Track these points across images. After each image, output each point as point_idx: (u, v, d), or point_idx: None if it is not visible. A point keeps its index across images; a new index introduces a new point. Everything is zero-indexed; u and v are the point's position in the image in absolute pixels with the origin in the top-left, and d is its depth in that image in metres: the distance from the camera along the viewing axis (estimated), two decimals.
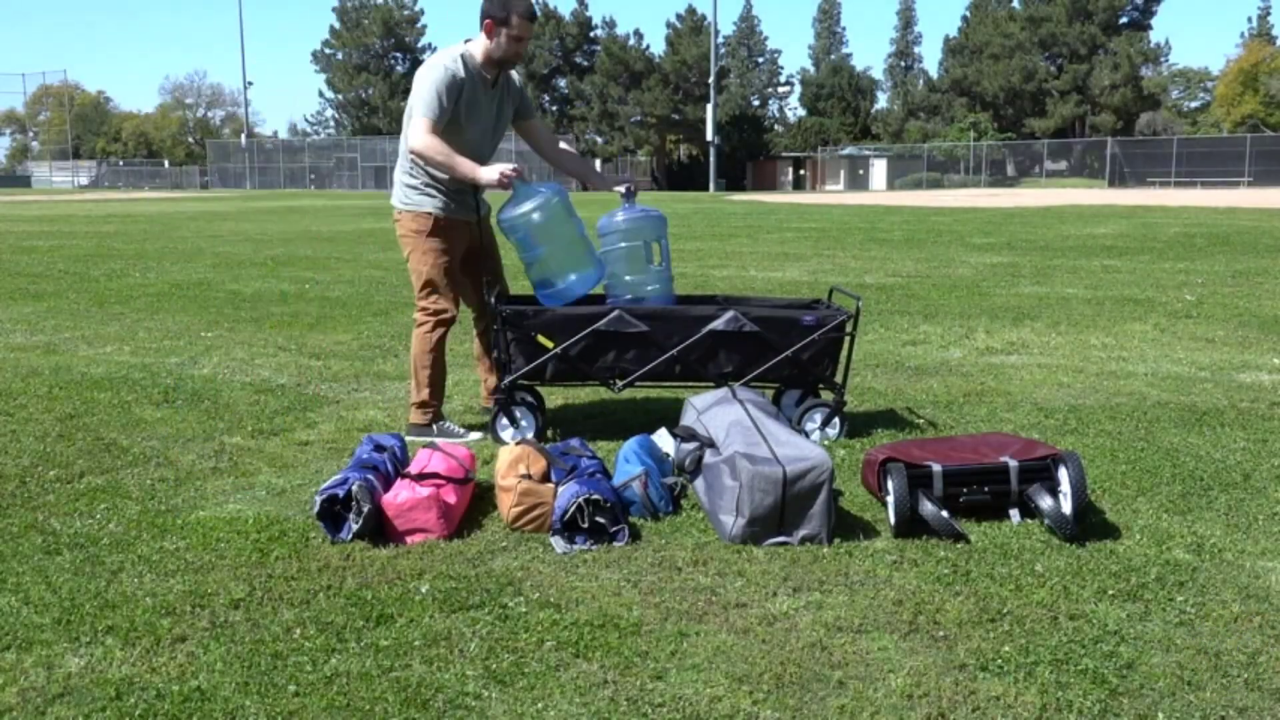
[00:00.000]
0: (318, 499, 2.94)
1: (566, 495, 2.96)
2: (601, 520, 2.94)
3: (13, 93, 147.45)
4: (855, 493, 3.39)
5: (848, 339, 4.04)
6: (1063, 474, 3.06)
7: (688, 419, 3.64)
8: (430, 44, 68.85)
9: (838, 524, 3.07)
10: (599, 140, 62.12)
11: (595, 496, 2.93)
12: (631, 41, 59.87)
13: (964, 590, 2.64)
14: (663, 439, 3.74)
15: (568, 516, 2.91)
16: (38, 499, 3.36)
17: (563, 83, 63.74)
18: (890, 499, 3.06)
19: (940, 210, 24.38)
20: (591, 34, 62.94)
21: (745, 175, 59.11)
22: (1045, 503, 3.01)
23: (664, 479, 3.26)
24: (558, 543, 2.91)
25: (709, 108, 50.64)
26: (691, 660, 2.28)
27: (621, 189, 4.20)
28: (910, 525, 2.99)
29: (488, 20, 3.86)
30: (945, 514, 2.98)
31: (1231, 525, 3.11)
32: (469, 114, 3.90)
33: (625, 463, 3.29)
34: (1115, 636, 2.39)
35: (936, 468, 3.11)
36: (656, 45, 62.72)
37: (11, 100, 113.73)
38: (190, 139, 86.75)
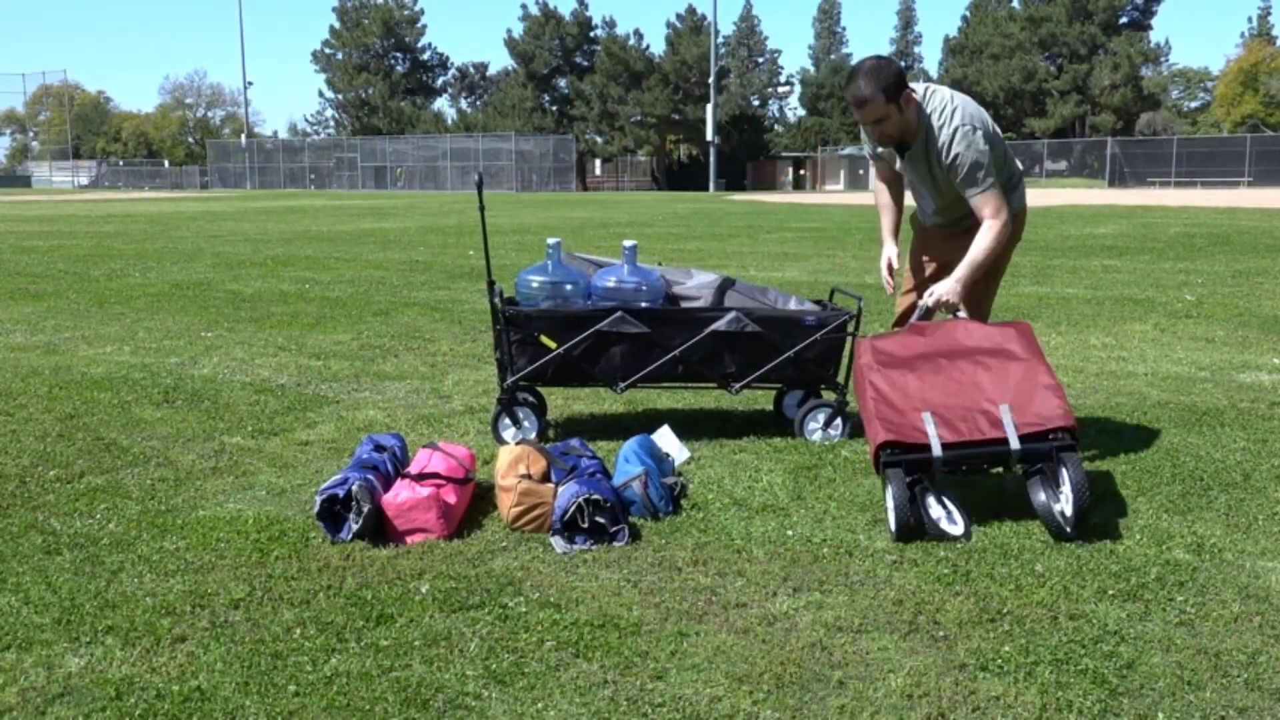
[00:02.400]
0: (318, 499, 2.95)
1: (566, 495, 2.96)
2: (601, 520, 2.94)
3: (13, 93, 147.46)
4: (855, 492, 3.39)
5: (849, 339, 4.04)
6: (1064, 475, 2.98)
7: None
8: (430, 44, 68.91)
9: (837, 524, 3.08)
10: (599, 140, 62.12)
11: (595, 496, 2.93)
12: (631, 41, 59.85)
13: (964, 590, 2.64)
14: (663, 438, 3.74)
15: (568, 516, 2.92)
16: (38, 499, 3.36)
17: (563, 83, 63.72)
18: (890, 504, 3.01)
19: None
20: (591, 34, 62.92)
21: (745, 175, 59.12)
22: (1038, 498, 2.98)
23: (664, 479, 3.26)
24: (558, 543, 2.91)
25: (709, 108, 50.65)
26: (691, 660, 2.28)
27: None
28: (910, 531, 2.96)
29: None
30: (945, 512, 2.98)
31: (1231, 525, 3.11)
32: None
33: (625, 463, 3.29)
34: (1115, 636, 2.39)
35: (936, 452, 3.02)
36: (656, 45, 62.67)
37: (11, 100, 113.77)
38: (190, 139, 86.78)
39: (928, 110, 3.51)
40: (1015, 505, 3.25)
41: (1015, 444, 3.02)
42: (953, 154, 3.48)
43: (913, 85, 3.50)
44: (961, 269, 3.51)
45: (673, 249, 13.59)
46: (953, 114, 3.49)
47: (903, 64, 72.33)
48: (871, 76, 3.41)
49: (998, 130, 3.63)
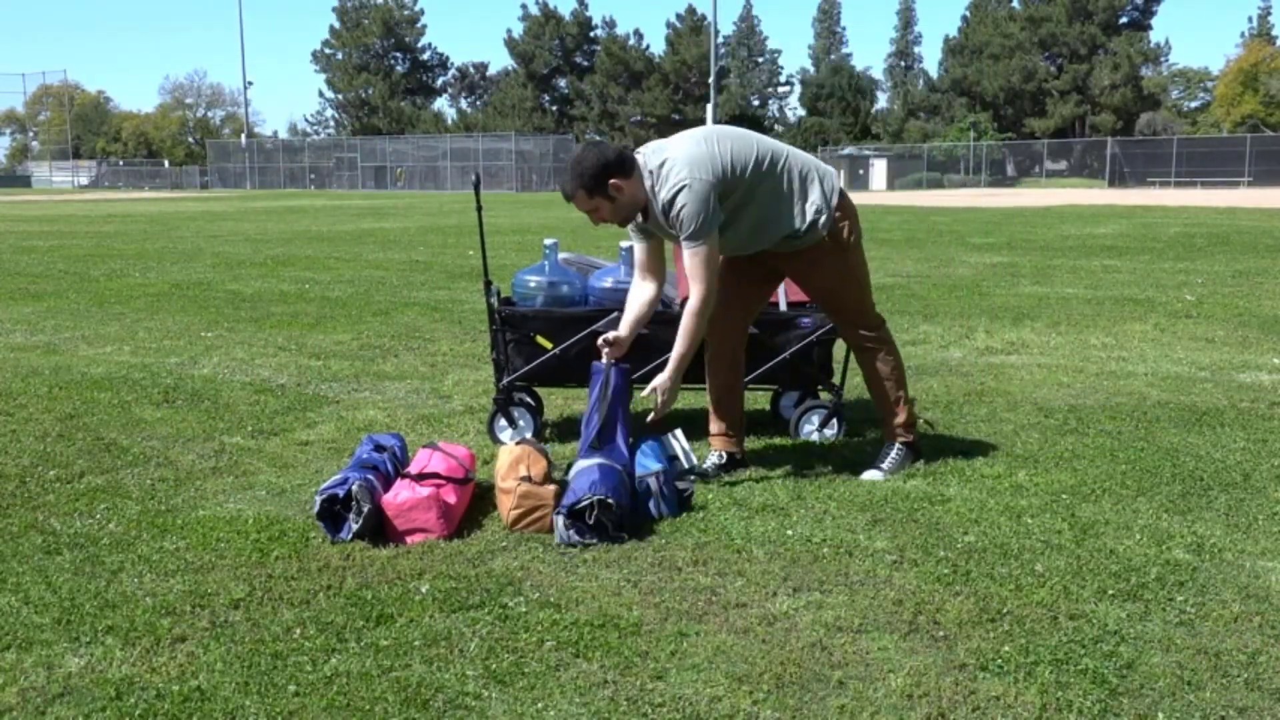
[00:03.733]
0: (318, 499, 2.94)
1: (585, 482, 2.97)
2: (606, 521, 2.94)
3: (13, 93, 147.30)
4: (855, 492, 3.39)
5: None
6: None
7: None
8: (430, 44, 68.87)
9: (837, 524, 3.08)
10: (599, 140, 62.08)
11: (609, 500, 2.92)
12: (631, 41, 59.93)
13: (964, 590, 2.64)
14: (672, 442, 3.73)
15: (579, 507, 2.91)
16: (38, 499, 3.36)
17: (563, 83, 63.76)
18: None
19: (940, 210, 24.39)
20: (591, 34, 62.96)
21: None
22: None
23: (675, 481, 3.27)
24: (559, 523, 2.91)
25: (709, 108, 50.60)
26: (691, 660, 2.28)
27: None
28: None
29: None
30: None
31: (1231, 525, 3.11)
32: None
33: (643, 457, 3.29)
34: (1115, 636, 2.39)
35: None
36: (656, 45, 62.71)
37: (11, 100, 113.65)
38: (190, 139, 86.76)
39: (652, 178, 3.33)
40: (1014, 504, 3.26)
41: (784, 305, 3.99)
42: (674, 210, 3.28)
43: (639, 154, 3.37)
44: (670, 363, 3.42)
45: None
46: (670, 173, 3.29)
47: (906, 64, 72.11)
48: (572, 171, 3.33)
49: (749, 151, 3.36)
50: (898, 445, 3.68)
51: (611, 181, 3.30)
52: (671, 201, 3.29)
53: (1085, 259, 11.60)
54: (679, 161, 3.29)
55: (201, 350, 6.06)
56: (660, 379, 3.43)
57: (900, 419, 3.68)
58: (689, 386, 4.11)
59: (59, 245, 14.55)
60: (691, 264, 3.33)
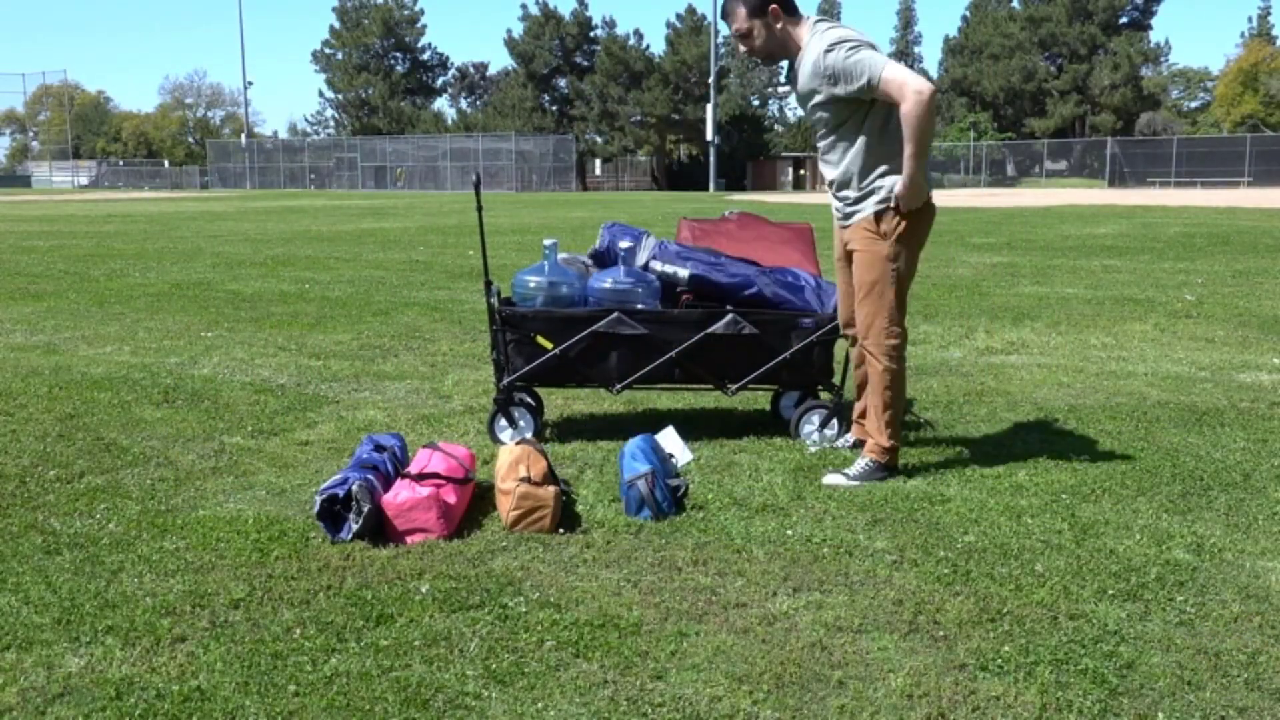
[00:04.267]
0: (318, 499, 2.95)
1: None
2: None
3: (13, 93, 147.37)
4: (855, 492, 3.39)
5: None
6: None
7: None
8: (430, 44, 68.79)
9: (837, 524, 3.08)
10: (599, 140, 62.13)
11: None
12: (631, 41, 59.85)
13: (964, 590, 2.64)
14: (667, 439, 3.73)
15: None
16: (38, 499, 3.36)
17: (563, 83, 63.72)
18: None
19: (940, 210, 24.34)
20: (591, 34, 62.91)
21: (745, 175, 59.07)
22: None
23: (668, 479, 3.26)
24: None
25: (709, 108, 50.64)
26: (691, 660, 2.28)
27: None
28: None
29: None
30: None
31: (1231, 525, 3.11)
32: None
33: (632, 459, 3.28)
34: (1115, 636, 2.39)
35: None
36: (656, 45, 62.73)
37: (11, 100, 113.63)
38: (190, 139, 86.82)
39: (810, 35, 3.46)
40: (1014, 504, 3.26)
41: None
42: (832, 57, 3.35)
43: (814, 17, 3.52)
44: (906, 164, 3.38)
45: None
46: (829, 32, 3.43)
47: (906, 64, 72.39)
48: None
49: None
50: (870, 459, 3.55)
51: (772, 7, 3.44)
52: (828, 50, 3.35)
53: (1085, 259, 11.60)
54: (841, 30, 3.43)
55: (201, 350, 6.06)
56: (898, 185, 3.42)
57: (882, 440, 3.54)
58: (686, 387, 4.12)
59: (59, 245, 14.55)
60: (893, 82, 3.31)
